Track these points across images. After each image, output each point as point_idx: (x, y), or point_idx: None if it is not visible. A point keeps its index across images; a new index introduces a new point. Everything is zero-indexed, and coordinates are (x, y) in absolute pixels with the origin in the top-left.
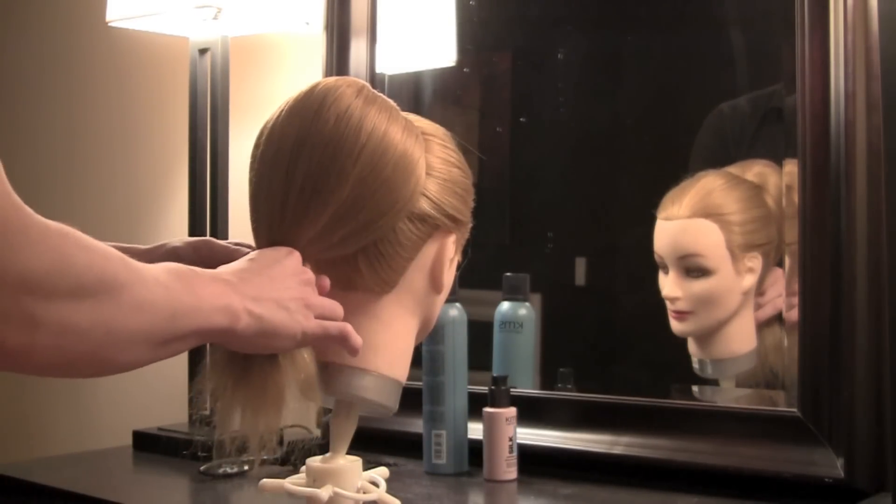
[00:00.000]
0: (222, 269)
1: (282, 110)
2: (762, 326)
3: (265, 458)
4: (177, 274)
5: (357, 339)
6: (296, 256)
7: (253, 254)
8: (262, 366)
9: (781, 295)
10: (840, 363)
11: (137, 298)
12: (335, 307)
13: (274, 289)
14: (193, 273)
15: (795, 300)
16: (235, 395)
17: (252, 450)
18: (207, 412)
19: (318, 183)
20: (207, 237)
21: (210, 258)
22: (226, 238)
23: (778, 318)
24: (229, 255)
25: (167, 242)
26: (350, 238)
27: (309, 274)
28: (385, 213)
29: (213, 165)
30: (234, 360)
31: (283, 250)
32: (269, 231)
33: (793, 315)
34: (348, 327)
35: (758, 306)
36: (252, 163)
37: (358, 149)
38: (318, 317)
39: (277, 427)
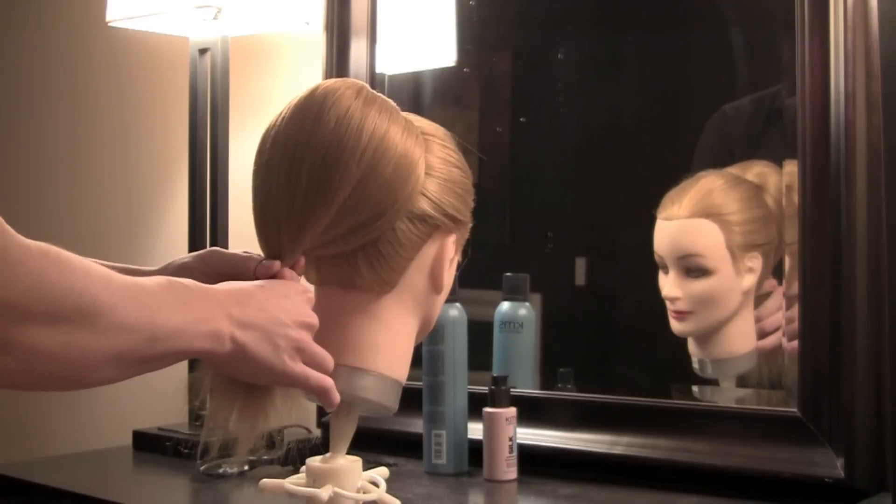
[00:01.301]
0: (223, 286)
1: (283, 115)
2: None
3: (264, 458)
4: (169, 290)
5: (335, 396)
6: (306, 297)
7: (264, 281)
8: None
9: (781, 306)
10: (840, 363)
11: (116, 322)
12: (326, 360)
13: (268, 320)
14: (188, 290)
15: (795, 300)
16: (225, 397)
17: (240, 451)
18: (206, 412)
19: (321, 185)
20: (213, 248)
21: (222, 267)
22: (226, 238)
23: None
24: (242, 263)
25: (174, 261)
26: (349, 236)
27: (314, 319)
28: (384, 213)
29: (213, 165)
30: None
31: (296, 287)
32: (275, 235)
33: (792, 315)
34: (329, 382)
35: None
36: (256, 169)
37: (360, 150)
38: (307, 364)
39: (266, 429)
